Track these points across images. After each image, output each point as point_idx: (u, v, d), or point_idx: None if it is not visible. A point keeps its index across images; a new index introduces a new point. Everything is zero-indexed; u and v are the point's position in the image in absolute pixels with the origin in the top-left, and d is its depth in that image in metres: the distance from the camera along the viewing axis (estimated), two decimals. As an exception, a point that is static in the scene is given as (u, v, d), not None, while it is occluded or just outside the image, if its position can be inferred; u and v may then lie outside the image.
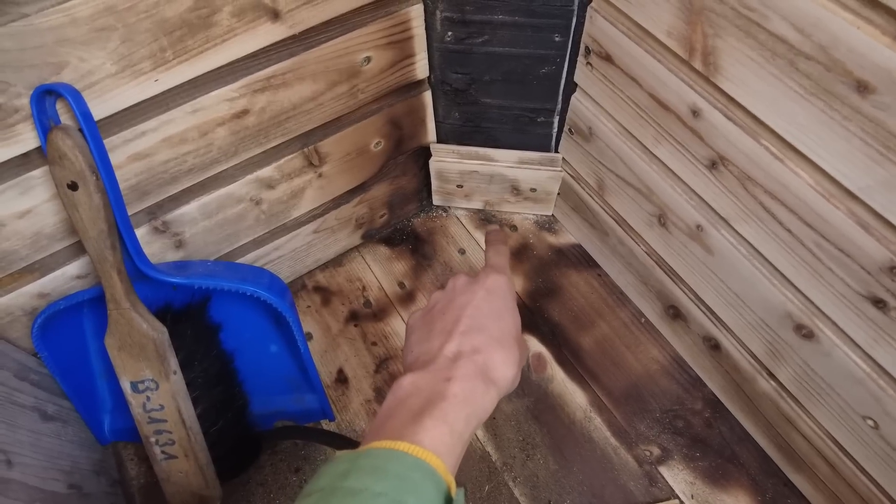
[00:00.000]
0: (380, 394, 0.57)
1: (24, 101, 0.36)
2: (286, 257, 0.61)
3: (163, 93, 0.41)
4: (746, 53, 0.36)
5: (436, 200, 0.68)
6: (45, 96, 0.36)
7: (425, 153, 0.62)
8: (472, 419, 0.32)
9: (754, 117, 0.37)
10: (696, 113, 0.41)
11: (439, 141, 0.61)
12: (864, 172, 0.32)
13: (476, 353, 0.35)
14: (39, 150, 0.39)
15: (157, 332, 0.43)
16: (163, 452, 0.46)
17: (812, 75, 0.33)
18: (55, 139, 0.36)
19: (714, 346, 0.52)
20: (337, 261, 0.66)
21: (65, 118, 0.38)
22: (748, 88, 0.37)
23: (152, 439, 0.46)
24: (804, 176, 0.36)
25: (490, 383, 0.34)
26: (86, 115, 0.37)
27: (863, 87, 0.30)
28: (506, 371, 0.35)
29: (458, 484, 0.30)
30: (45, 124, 0.36)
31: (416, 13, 0.48)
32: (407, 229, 0.68)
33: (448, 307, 0.38)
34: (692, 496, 0.51)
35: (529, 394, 0.57)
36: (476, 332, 0.36)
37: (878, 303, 0.35)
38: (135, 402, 0.45)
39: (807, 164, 0.36)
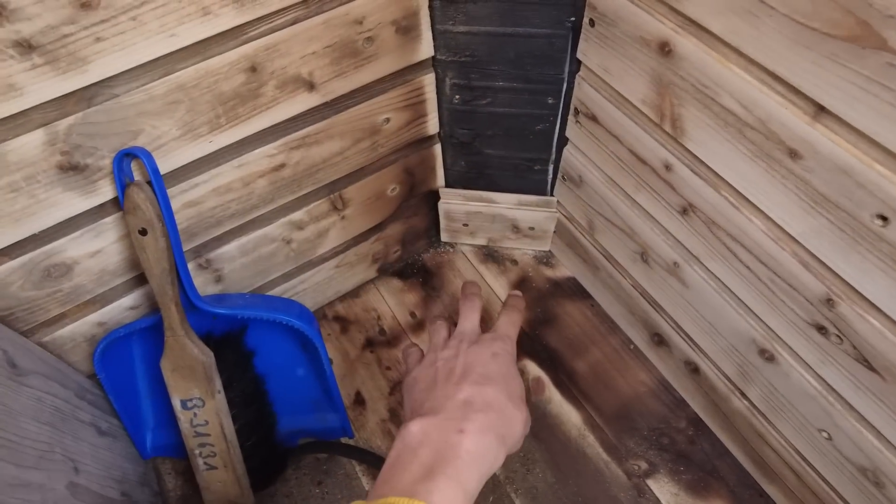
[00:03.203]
0: (394, 414, 0.63)
1: (107, 162, 0.43)
2: (310, 289, 0.68)
3: (215, 151, 0.48)
4: (705, 121, 0.43)
5: (444, 237, 0.75)
6: (124, 157, 0.43)
7: (435, 196, 0.69)
8: (483, 478, 0.32)
9: (715, 173, 0.44)
10: (668, 167, 0.49)
11: (447, 185, 0.69)
12: (801, 221, 0.39)
13: (488, 407, 0.34)
14: (113, 201, 0.46)
15: (205, 356, 0.49)
16: (205, 463, 0.52)
17: (756, 142, 0.40)
18: (131, 193, 0.43)
19: (694, 370, 0.59)
20: (354, 292, 0.73)
21: (136, 173, 0.45)
22: (708, 149, 0.44)
23: (196, 451, 0.52)
24: (757, 222, 0.43)
25: (501, 441, 0.33)
26: (155, 172, 0.44)
27: (793, 154, 0.37)
28: (516, 429, 0.35)
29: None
30: (122, 181, 0.44)
31: (429, 80, 0.55)
32: (418, 264, 0.75)
33: (454, 361, 0.38)
34: (677, 506, 0.57)
35: (529, 414, 0.63)
36: (487, 385, 0.35)
37: (821, 329, 0.42)
38: (183, 417, 0.51)
39: (758, 213, 0.43)
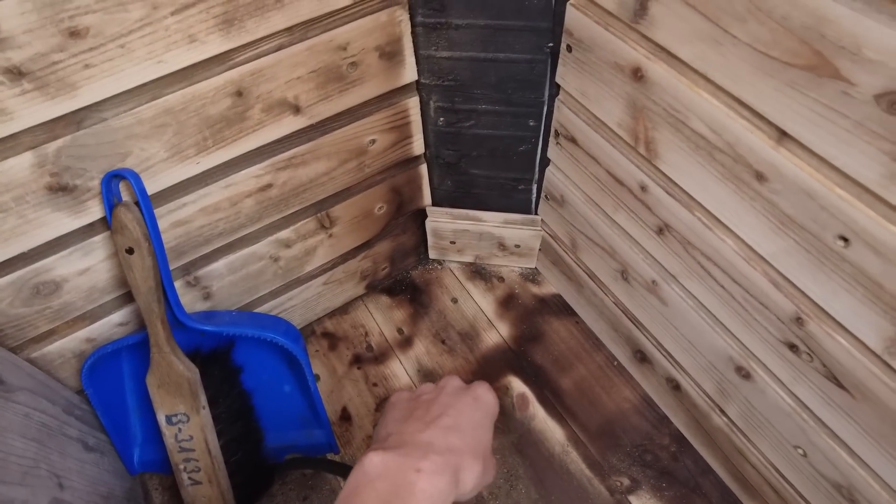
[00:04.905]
0: (380, 430, 0.64)
1: (96, 183, 0.44)
2: (298, 306, 0.68)
3: (202, 172, 0.49)
4: (677, 144, 0.44)
5: (432, 255, 0.76)
6: (112, 178, 0.45)
7: (422, 214, 0.70)
8: None
9: (688, 194, 0.46)
10: (643, 188, 0.50)
11: (434, 204, 0.70)
12: (770, 242, 0.40)
13: (450, 452, 0.36)
14: (101, 220, 0.47)
15: (191, 372, 0.50)
16: (190, 479, 0.53)
17: (725, 164, 0.41)
18: (119, 213, 0.44)
19: (675, 387, 0.59)
20: (343, 309, 0.74)
21: (124, 194, 0.47)
22: (681, 171, 0.45)
23: (181, 466, 0.52)
24: (729, 242, 0.44)
25: (454, 484, 0.35)
26: (143, 193, 0.45)
27: (760, 177, 0.39)
28: (471, 479, 0.36)
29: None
30: (111, 201, 0.45)
31: (413, 104, 0.57)
32: (406, 280, 0.76)
33: (434, 401, 0.40)
34: (659, 523, 0.57)
35: (514, 430, 0.63)
36: (454, 432, 0.37)
37: (793, 347, 0.43)
38: (168, 433, 0.51)
39: (729, 233, 0.44)
